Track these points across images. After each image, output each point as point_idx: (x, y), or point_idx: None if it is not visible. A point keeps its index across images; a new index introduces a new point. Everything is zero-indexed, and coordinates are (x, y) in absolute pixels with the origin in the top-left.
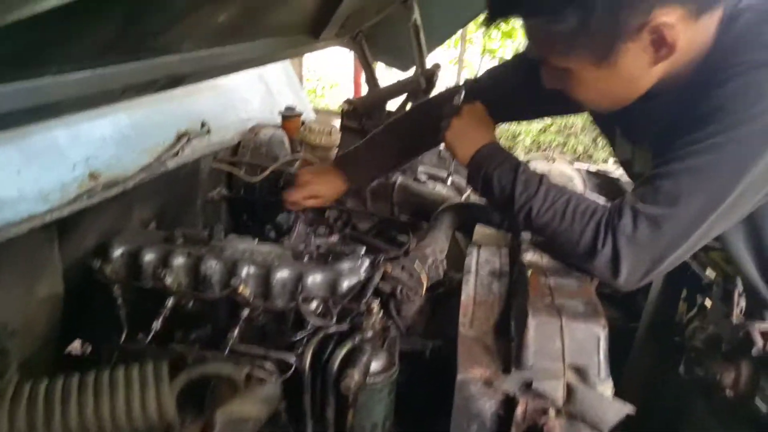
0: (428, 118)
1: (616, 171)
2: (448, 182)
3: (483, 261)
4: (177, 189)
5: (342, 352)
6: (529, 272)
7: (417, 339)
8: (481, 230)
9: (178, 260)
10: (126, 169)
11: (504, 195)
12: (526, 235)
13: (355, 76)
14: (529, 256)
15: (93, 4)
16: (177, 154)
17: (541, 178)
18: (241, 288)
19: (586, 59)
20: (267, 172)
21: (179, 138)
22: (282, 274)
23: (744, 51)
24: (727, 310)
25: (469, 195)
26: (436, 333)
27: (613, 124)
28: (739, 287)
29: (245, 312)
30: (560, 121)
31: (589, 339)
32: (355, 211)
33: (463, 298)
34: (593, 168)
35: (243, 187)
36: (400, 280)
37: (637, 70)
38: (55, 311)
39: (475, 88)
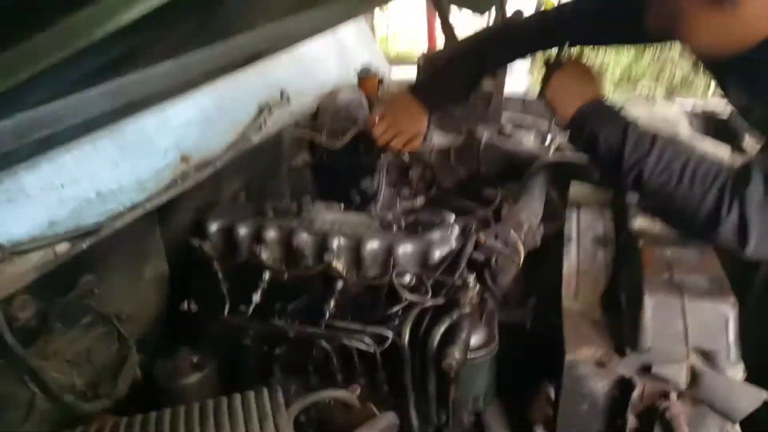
0: (512, 33)
1: (726, 108)
2: (547, 141)
3: (585, 227)
4: (262, 159)
5: (441, 330)
6: (641, 243)
7: (514, 310)
8: (578, 188)
9: (270, 234)
10: (214, 148)
11: (611, 155)
12: (632, 197)
13: (428, 20)
14: (639, 223)
15: (176, 5)
16: (261, 127)
17: (654, 136)
18: (334, 262)
19: None
20: (348, 137)
21: (261, 111)
22: (372, 246)
23: None
24: None
25: (559, 149)
26: (531, 290)
27: (726, 74)
28: None
29: (339, 284)
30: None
31: (717, 320)
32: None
33: (565, 268)
34: (698, 107)
35: (325, 153)
36: (495, 250)
37: (762, 12)
38: (162, 292)
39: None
